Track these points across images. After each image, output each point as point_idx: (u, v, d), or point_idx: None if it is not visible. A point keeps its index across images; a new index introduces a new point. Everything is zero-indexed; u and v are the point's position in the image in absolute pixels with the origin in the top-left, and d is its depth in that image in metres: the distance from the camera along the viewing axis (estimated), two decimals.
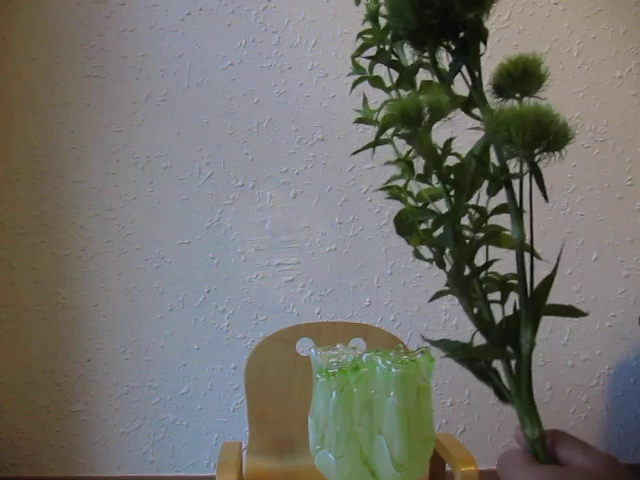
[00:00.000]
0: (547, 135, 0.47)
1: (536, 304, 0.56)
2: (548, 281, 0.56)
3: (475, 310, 0.54)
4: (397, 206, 2.07)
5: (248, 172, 2.17)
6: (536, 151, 0.47)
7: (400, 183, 0.60)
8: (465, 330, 2.22)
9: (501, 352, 0.52)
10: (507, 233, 0.56)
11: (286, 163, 2.17)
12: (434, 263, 0.56)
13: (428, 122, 0.49)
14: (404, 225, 0.55)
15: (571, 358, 2.26)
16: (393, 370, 1.02)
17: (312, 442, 1.07)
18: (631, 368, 2.28)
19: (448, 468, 1.40)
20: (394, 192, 0.59)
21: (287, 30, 2.15)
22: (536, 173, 0.51)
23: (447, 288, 0.55)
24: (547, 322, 2.24)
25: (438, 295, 0.56)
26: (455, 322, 2.22)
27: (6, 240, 2.18)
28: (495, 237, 0.56)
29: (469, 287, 0.54)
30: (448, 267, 0.55)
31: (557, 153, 0.48)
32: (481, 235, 0.55)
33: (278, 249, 2.18)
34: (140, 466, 2.23)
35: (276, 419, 1.56)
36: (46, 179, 2.16)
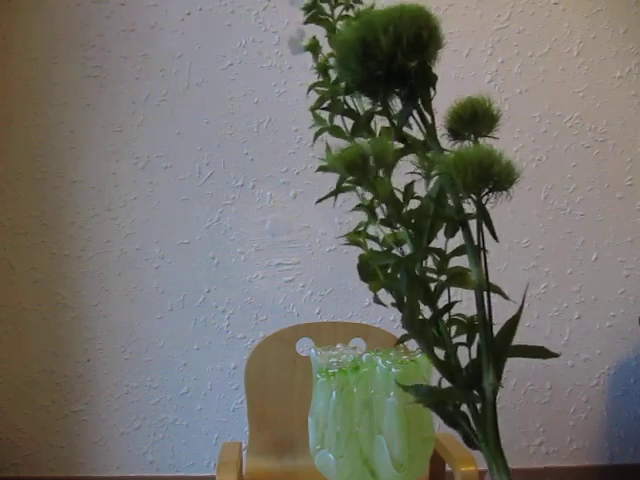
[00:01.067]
0: (490, 177, 0.47)
1: (499, 346, 0.54)
2: (513, 322, 0.55)
3: (441, 353, 0.54)
4: None
5: (248, 172, 2.17)
6: (482, 193, 0.48)
7: (367, 228, 0.60)
8: None
9: (467, 396, 0.52)
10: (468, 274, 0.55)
11: (286, 163, 2.17)
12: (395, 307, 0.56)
13: (374, 169, 0.49)
14: (367, 271, 0.55)
15: (571, 358, 2.26)
16: (393, 370, 1.02)
17: (312, 442, 1.07)
18: (631, 368, 2.28)
19: (448, 468, 1.39)
20: (352, 239, 0.59)
21: (287, 30, 2.15)
22: (483, 214, 0.51)
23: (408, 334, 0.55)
24: (547, 322, 2.24)
25: (402, 340, 0.56)
26: None
27: (6, 240, 2.18)
28: (459, 278, 0.54)
29: (426, 331, 0.54)
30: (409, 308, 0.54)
31: (504, 192, 0.49)
32: (444, 277, 0.54)
33: (278, 249, 2.18)
34: (140, 466, 2.23)
35: (276, 419, 1.56)
36: (46, 179, 2.16)
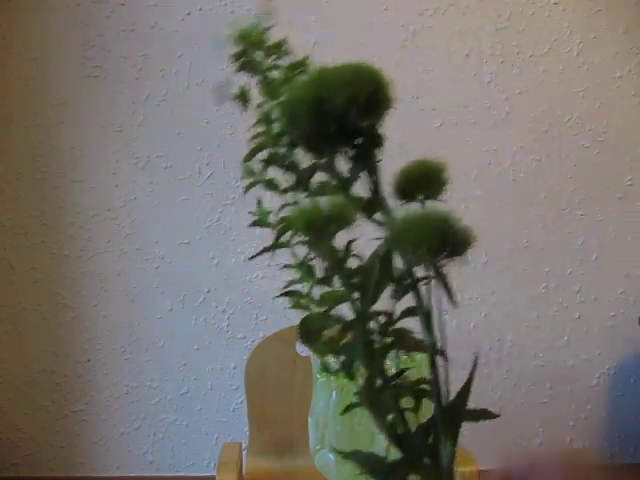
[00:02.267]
0: (448, 243, 0.47)
1: (455, 413, 0.53)
2: (466, 388, 0.53)
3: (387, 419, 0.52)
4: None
5: None
6: (440, 258, 0.47)
7: (300, 287, 0.59)
8: (466, 330, 2.22)
9: (419, 466, 0.50)
10: (417, 336, 0.54)
11: None
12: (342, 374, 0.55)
13: (333, 231, 0.49)
14: (310, 333, 0.53)
15: (571, 358, 2.26)
16: (393, 370, 1.02)
17: (312, 442, 1.07)
18: (631, 368, 2.28)
19: None
20: (296, 301, 0.58)
21: (287, 30, 2.14)
22: (441, 279, 0.50)
23: (358, 401, 0.53)
24: (547, 322, 2.24)
25: (349, 409, 0.56)
26: (455, 322, 2.21)
27: (6, 240, 2.18)
28: (405, 341, 0.53)
29: (381, 399, 0.52)
30: (359, 379, 0.53)
31: (460, 257, 0.48)
32: (389, 340, 0.53)
33: (278, 249, 2.18)
34: (140, 466, 2.23)
35: (276, 419, 1.56)
36: (46, 179, 2.16)
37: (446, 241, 0.46)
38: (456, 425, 0.52)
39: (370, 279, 0.50)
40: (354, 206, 0.49)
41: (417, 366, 1.08)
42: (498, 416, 0.53)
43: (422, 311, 0.51)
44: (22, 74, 2.15)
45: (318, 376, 1.05)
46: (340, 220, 0.48)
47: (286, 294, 0.57)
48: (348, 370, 0.53)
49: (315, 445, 1.06)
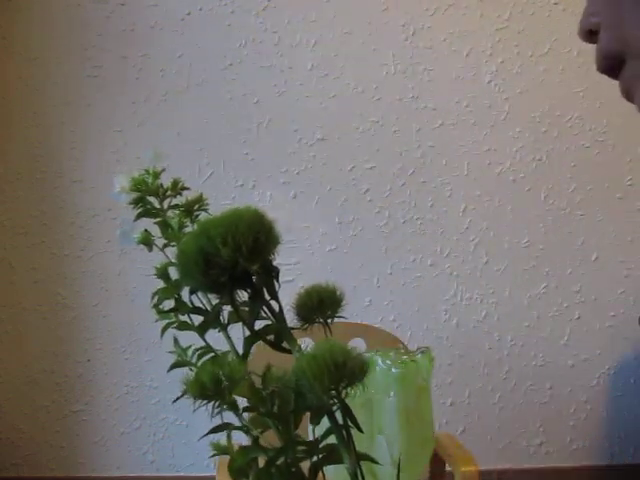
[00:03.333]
0: (345, 375, 0.50)
1: None
2: None
3: None
4: (398, 206, 2.07)
5: (248, 172, 2.17)
6: (339, 389, 0.51)
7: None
8: (467, 329, 2.22)
9: None
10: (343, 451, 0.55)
11: (286, 163, 2.17)
12: None
13: (227, 390, 0.53)
14: (237, 471, 0.55)
15: (571, 358, 2.26)
16: (393, 370, 1.02)
17: None
18: (631, 368, 2.28)
19: (448, 468, 1.39)
20: (218, 448, 0.61)
21: (287, 30, 2.15)
22: (344, 410, 0.53)
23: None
24: (547, 322, 2.24)
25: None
26: (455, 322, 2.22)
27: (6, 240, 2.18)
28: (334, 455, 0.55)
29: None
30: None
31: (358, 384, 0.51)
32: (318, 458, 0.55)
33: (278, 249, 2.18)
34: (140, 466, 2.23)
35: None
36: (46, 179, 2.16)
37: (342, 374, 0.49)
38: None
39: (287, 408, 0.53)
40: (242, 366, 0.53)
41: (418, 366, 1.08)
42: None
43: (340, 437, 0.53)
44: (22, 74, 2.15)
45: None
46: (231, 380, 0.52)
47: (215, 430, 0.60)
48: None
49: None
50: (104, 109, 2.16)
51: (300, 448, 0.54)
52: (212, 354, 0.64)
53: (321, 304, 0.59)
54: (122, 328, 2.19)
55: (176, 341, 0.68)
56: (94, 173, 2.16)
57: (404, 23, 2.16)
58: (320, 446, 0.55)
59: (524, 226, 2.22)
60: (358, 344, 1.52)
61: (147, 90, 2.15)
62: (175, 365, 0.68)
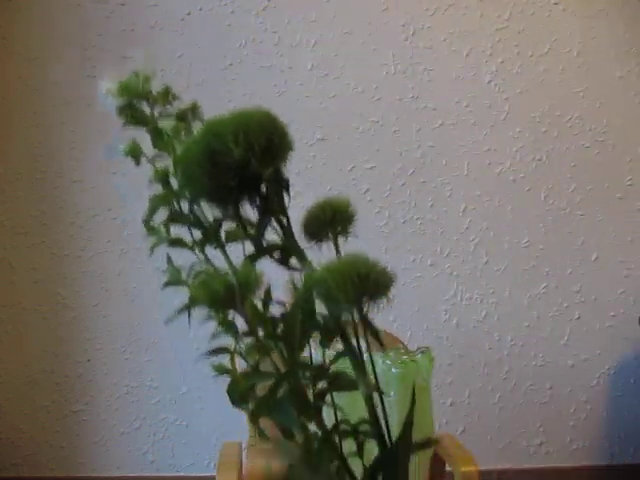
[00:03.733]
0: (369, 287, 0.46)
1: (402, 449, 0.51)
2: (408, 425, 0.52)
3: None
4: (398, 206, 2.08)
5: None
6: (362, 303, 0.47)
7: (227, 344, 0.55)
8: (466, 329, 2.22)
9: None
10: (351, 375, 0.52)
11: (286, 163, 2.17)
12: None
13: (240, 299, 0.47)
14: (239, 396, 0.51)
15: (571, 358, 2.26)
16: (393, 370, 1.02)
17: None
18: (631, 368, 2.28)
19: (448, 468, 1.39)
20: (220, 369, 0.55)
21: (287, 30, 2.15)
22: (366, 324, 0.49)
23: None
24: (547, 322, 2.24)
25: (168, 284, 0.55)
26: (455, 322, 2.22)
27: (6, 240, 2.18)
28: (339, 383, 0.51)
29: (324, 451, 0.50)
30: (299, 438, 0.51)
31: (383, 299, 0.47)
32: (323, 384, 0.51)
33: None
34: (140, 466, 2.23)
35: None
36: (46, 179, 2.16)
37: (365, 287, 0.46)
38: (403, 462, 0.50)
39: (294, 329, 0.49)
40: (258, 273, 0.47)
41: (418, 366, 1.08)
42: (437, 443, 0.53)
43: (354, 358, 0.50)
44: (22, 74, 2.14)
45: None
46: (245, 289, 0.46)
47: (214, 352, 0.55)
48: (285, 431, 0.51)
49: None
50: (104, 109, 2.15)
51: (306, 373, 0.50)
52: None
53: (333, 219, 0.53)
54: (122, 328, 2.19)
55: (169, 259, 0.63)
56: (94, 173, 2.16)
57: (404, 23, 2.16)
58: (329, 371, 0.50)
59: (524, 226, 2.22)
60: None
61: None
62: (168, 283, 0.62)
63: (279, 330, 0.49)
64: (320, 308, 0.49)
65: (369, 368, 0.50)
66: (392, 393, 1.02)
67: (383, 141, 2.17)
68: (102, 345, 2.20)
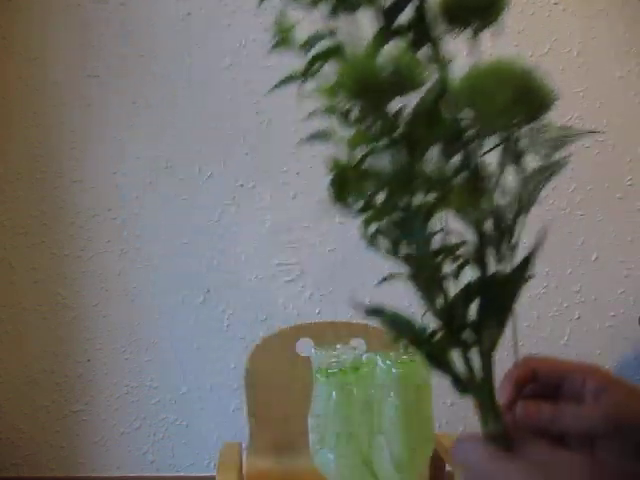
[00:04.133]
0: (525, 103, 0.37)
1: (507, 293, 0.44)
2: (527, 261, 0.45)
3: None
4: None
5: (248, 172, 2.17)
6: (515, 124, 0.39)
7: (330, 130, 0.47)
8: None
9: (458, 341, 0.44)
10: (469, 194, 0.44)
11: (286, 163, 2.17)
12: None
13: (391, 96, 0.37)
14: (342, 187, 0.44)
15: (571, 358, 2.25)
16: (393, 370, 1.02)
17: (312, 442, 1.07)
18: (631, 368, 2.28)
19: (448, 468, 1.39)
20: (334, 165, 0.47)
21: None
22: (509, 147, 0.41)
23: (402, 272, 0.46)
24: (547, 322, 2.24)
25: (387, 279, 0.48)
26: None
27: (6, 240, 2.18)
28: (454, 198, 0.43)
29: (425, 267, 0.45)
30: (404, 251, 0.46)
31: (535, 122, 0.39)
32: (437, 196, 0.43)
33: (278, 249, 2.18)
34: (140, 466, 2.23)
35: (276, 419, 1.56)
36: (46, 179, 2.16)
37: (522, 101, 0.37)
38: (505, 308, 0.44)
39: (417, 130, 0.40)
40: (421, 64, 0.38)
41: (418, 366, 1.07)
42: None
43: (475, 178, 0.41)
44: (22, 74, 2.15)
45: (318, 376, 1.05)
46: (407, 82, 0.36)
47: (315, 137, 0.46)
48: (395, 246, 0.44)
49: (315, 445, 1.06)
50: (104, 109, 2.16)
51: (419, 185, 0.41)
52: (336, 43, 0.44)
53: (476, 3, 0.41)
54: (122, 328, 2.19)
55: (281, 13, 0.48)
56: (94, 173, 2.16)
57: None
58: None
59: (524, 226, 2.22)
60: (358, 344, 1.52)
61: (147, 90, 2.15)
62: (276, 45, 0.49)
63: (399, 131, 0.41)
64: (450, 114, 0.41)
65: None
66: (392, 393, 1.02)
67: None
68: (102, 345, 2.20)
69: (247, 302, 2.19)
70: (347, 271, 2.19)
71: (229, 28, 2.15)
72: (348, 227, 2.19)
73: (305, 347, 1.59)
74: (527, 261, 0.45)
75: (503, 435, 0.47)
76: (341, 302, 2.20)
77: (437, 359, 0.45)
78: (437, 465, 1.38)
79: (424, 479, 1.34)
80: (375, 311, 0.47)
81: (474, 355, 0.45)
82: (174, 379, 2.20)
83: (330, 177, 0.44)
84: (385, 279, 0.48)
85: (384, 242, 0.47)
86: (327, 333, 1.57)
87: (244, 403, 1.60)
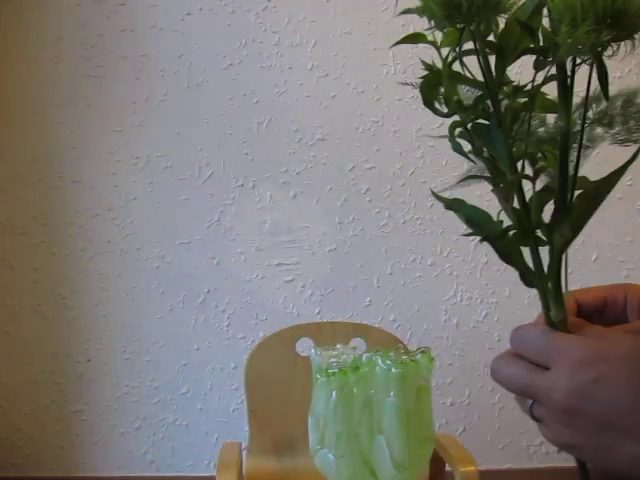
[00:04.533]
0: (617, 17, 0.37)
1: (585, 203, 0.48)
2: (612, 178, 0.47)
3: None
4: (398, 207, 2.08)
5: (248, 172, 2.17)
6: (602, 39, 0.38)
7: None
8: (467, 329, 2.22)
9: (530, 239, 0.48)
10: (550, 98, 0.46)
11: (286, 163, 2.17)
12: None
13: (482, 16, 0.38)
14: (432, 89, 0.46)
15: None
16: (393, 370, 1.02)
17: (312, 442, 1.07)
18: None
19: (448, 468, 1.40)
20: (413, 39, 0.47)
21: (287, 30, 2.15)
22: (600, 66, 0.42)
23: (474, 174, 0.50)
24: None
25: (463, 180, 0.53)
26: (455, 321, 2.21)
27: (6, 240, 2.18)
28: (539, 102, 0.46)
29: (517, 178, 0.47)
30: (487, 153, 0.49)
31: (628, 43, 0.38)
32: (522, 101, 0.46)
33: (278, 249, 2.18)
34: (140, 466, 2.23)
35: (276, 419, 1.56)
36: (46, 179, 2.16)
37: (613, 16, 0.36)
38: (582, 218, 0.47)
39: (510, 38, 0.41)
40: None
41: (418, 366, 1.07)
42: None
43: (563, 91, 0.43)
44: (22, 74, 2.14)
45: (318, 376, 1.05)
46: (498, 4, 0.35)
47: (407, 39, 0.47)
48: (479, 148, 0.47)
49: (315, 445, 1.06)
50: (104, 109, 2.16)
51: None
52: None
53: None
54: (122, 328, 2.19)
55: None
56: (94, 173, 2.16)
57: (404, 23, 2.16)
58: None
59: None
60: (358, 344, 1.52)
61: (147, 90, 2.15)
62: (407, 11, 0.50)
63: (491, 38, 0.43)
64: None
65: None
66: (392, 393, 1.02)
67: (383, 141, 2.17)
68: (102, 345, 2.20)
69: (247, 302, 2.19)
70: (347, 271, 2.19)
71: (229, 28, 2.15)
72: (348, 227, 2.19)
73: (305, 347, 1.59)
74: (618, 173, 0.49)
75: (564, 322, 0.51)
76: (341, 302, 2.20)
77: (509, 253, 0.49)
78: (437, 465, 1.38)
79: (424, 479, 1.34)
80: (455, 204, 0.52)
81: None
82: (174, 379, 2.21)
83: (421, 81, 0.45)
84: (464, 179, 0.51)
85: (468, 144, 0.50)
86: (327, 333, 1.57)
87: (244, 403, 1.60)
